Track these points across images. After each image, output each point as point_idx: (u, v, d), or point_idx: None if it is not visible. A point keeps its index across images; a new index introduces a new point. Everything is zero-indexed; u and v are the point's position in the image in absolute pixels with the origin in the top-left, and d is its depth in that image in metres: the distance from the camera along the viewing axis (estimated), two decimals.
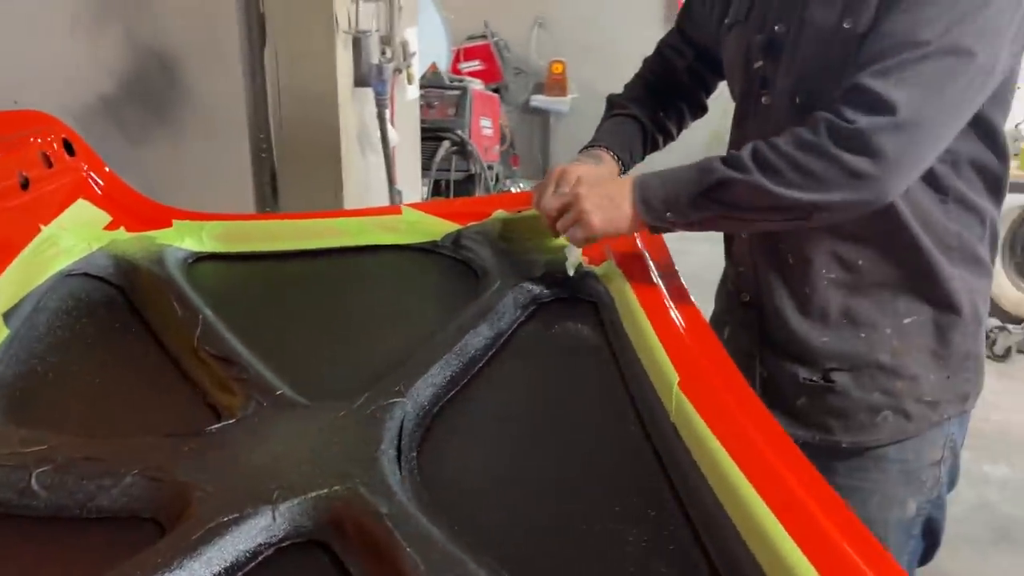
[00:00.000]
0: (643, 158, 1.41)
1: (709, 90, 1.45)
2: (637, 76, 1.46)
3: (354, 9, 2.13)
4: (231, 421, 0.92)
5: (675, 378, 0.91)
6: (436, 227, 1.42)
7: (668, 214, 1.09)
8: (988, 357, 3.45)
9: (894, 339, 1.16)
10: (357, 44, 2.14)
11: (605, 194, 1.12)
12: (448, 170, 3.18)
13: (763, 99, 1.20)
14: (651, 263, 1.22)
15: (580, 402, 1.00)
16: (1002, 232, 3.51)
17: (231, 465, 0.84)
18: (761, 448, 0.79)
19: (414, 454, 0.88)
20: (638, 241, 1.27)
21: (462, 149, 3.18)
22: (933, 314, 1.16)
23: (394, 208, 1.49)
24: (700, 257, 1.81)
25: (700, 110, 1.46)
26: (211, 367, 1.04)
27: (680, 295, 1.15)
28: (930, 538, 1.23)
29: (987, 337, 3.48)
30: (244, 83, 2.17)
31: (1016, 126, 2.25)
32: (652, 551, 0.72)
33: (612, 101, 1.43)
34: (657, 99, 1.41)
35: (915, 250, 1.13)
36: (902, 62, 0.97)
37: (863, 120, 0.97)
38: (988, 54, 0.99)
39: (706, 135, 2.81)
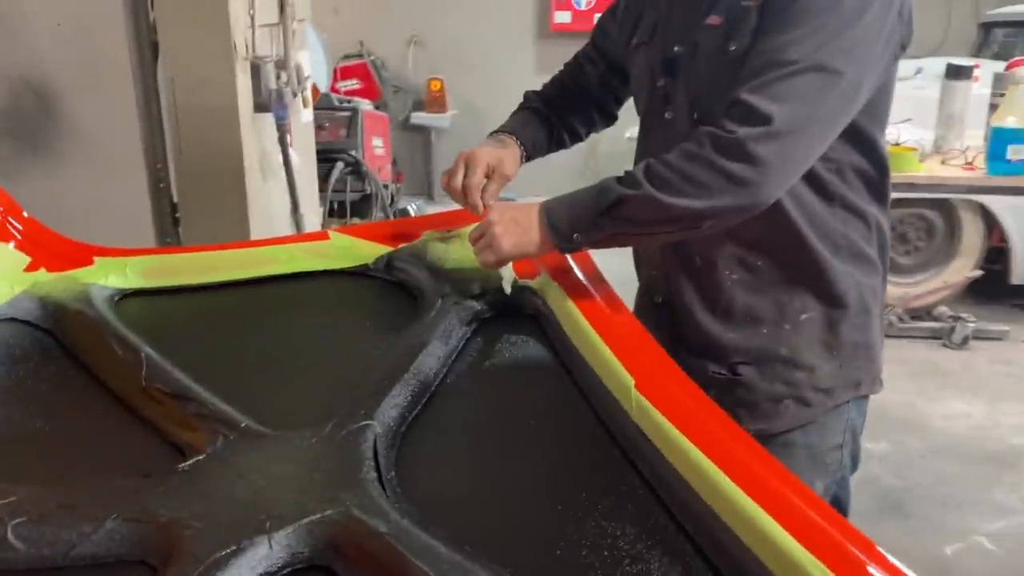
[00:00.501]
0: (546, 153, 1.50)
1: (619, 101, 1.54)
2: (555, 78, 1.54)
3: (251, 35, 2.11)
4: (201, 457, 0.92)
5: (631, 381, 0.97)
6: (366, 251, 1.44)
7: (575, 235, 1.17)
8: None
9: (792, 334, 1.27)
10: (256, 70, 2.12)
11: (513, 218, 1.19)
12: (343, 191, 3.17)
13: (666, 114, 1.29)
14: (579, 272, 1.29)
15: (540, 411, 1.05)
16: None
17: (213, 500, 0.84)
18: (721, 436, 0.87)
19: (392, 474, 0.90)
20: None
21: (356, 170, 3.18)
22: (825, 309, 1.27)
23: (321, 234, 1.49)
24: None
25: (609, 118, 1.56)
26: (166, 405, 1.03)
27: (613, 301, 1.22)
28: None
29: None
30: (138, 112, 2.12)
31: None
32: (640, 541, 0.78)
33: (527, 96, 1.52)
34: (569, 102, 1.50)
35: (807, 251, 1.24)
36: (775, 78, 1.08)
37: (741, 130, 1.07)
38: (854, 70, 1.10)
39: None
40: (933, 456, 2.91)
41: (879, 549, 0.72)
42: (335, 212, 3.30)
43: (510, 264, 1.29)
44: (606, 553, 0.77)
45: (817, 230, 1.22)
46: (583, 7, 5.82)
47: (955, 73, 2.44)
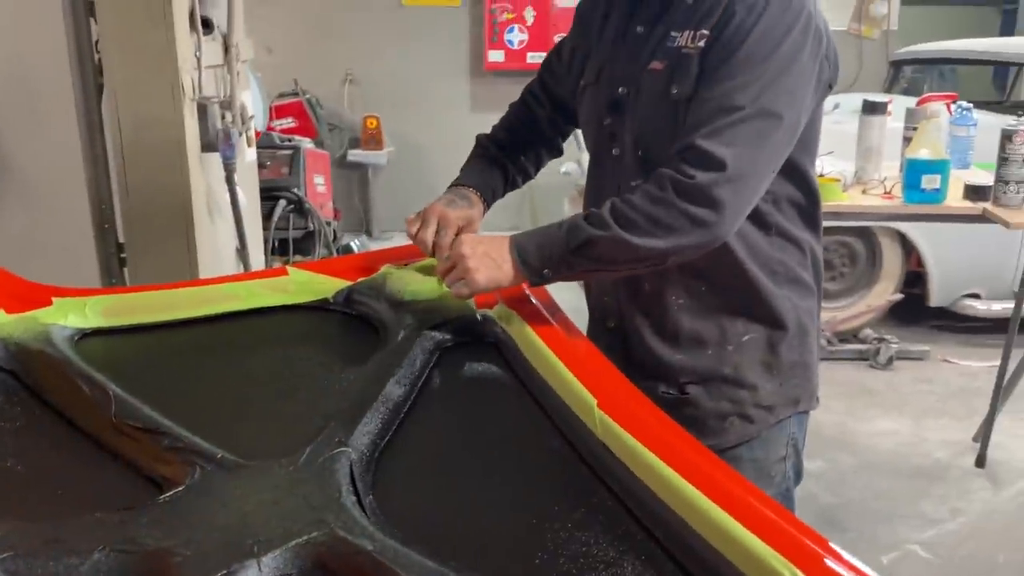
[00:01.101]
0: (503, 195, 1.56)
1: (565, 136, 1.62)
2: (503, 120, 1.61)
3: (197, 76, 2.14)
4: (180, 488, 0.94)
5: (594, 401, 1.03)
6: (325, 285, 1.47)
7: (545, 271, 1.24)
8: None
9: (735, 354, 1.36)
10: (203, 110, 2.14)
11: (486, 253, 1.24)
12: (286, 229, 3.18)
13: (613, 151, 1.37)
14: (535, 300, 1.35)
15: (507, 433, 1.10)
16: None
17: (198, 527, 0.86)
18: (682, 449, 0.93)
19: (369, 497, 0.94)
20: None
21: (299, 207, 3.20)
22: (765, 331, 1.36)
23: (280, 270, 1.52)
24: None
25: (556, 152, 1.64)
26: (138, 440, 1.05)
27: (569, 327, 1.28)
28: None
29: None
30: (82, 152, 2.11)
31: None
32: (613, 548, 0.83)
33: (480, 141, 1.58)
34: (519, 145, 1.57)
35: (747, 278, 1.33)
36: (724, 125, 1.17)
37: (700, 176, 1.16)
38: (792, 113, 1.20)
39: None
40: (865, 472, 3.04)
41: (831, 544, 0.79)
42: (276, 250, 3.30)
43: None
44: (582, 560, 0.82)
45: (756, 258, 1.31)
46: (516, 47, 5.96)
47: (871, 108, 2.60)
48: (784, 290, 1.34)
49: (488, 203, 1.48)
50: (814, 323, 1.40)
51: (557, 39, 1.59)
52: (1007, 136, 2.31)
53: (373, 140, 6.00)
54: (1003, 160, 2.31)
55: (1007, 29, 8.15)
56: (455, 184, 1.48)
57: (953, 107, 2.81)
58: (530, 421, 1.10)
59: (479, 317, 1.33)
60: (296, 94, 5.84)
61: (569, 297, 1.51)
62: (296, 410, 1.16)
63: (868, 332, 4.08)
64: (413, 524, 0.89)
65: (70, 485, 1.00)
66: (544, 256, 1.21)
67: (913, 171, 2.35)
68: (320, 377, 1.28)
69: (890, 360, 3.90)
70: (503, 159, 1.53)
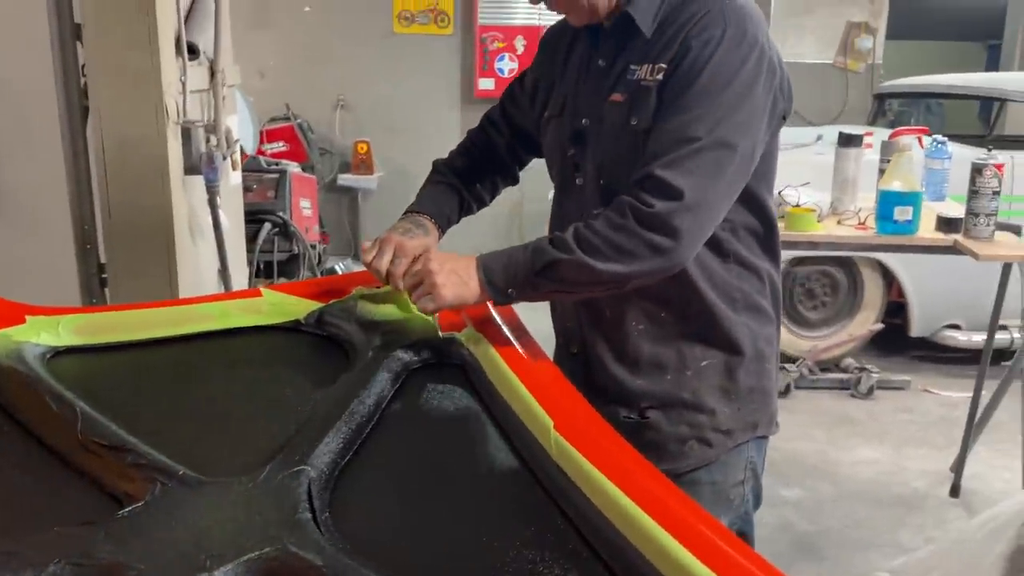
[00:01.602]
0: (458, 221, 1.59)
1: (522, 164, 1.65)
2: (461, 146, 1.63)
3: (182, 100, 2.17)
4: (140, 504, 0.95)
5: (550, 423, 1.05)
6: (298, 307, 1.49)
7: (510, 291, 1.27)
8: None
9: (694, 379, 1.38)
10: (187, 134, 2.17)
11: (453, 271, 1.27)
12: (271, 251, 3.20)
13: (577, 180, 1.41)
14: (503, 324, 1.37)
15: (466, 453, 1.12)
16: None
17: (154, 542, 0.88)
18: (636, 474, 0.95)
19: (326, 514, 0.96)
20: (490, 305, 1.42)
21: (284, 230, 3.22)
22: (723, 357, 1.38)
23: (254, 291, 1.54)
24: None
25: (513, 180, 1.66)
26: (103, 457, 1.06)
27: (534, 350, 1.30)
28: None
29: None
30: (66, 173, 2.14)
31: (779, 193, 2.64)
32: (559, 567, 0.85)
33: (436, 167, 1.60)
34: (476, 171, 1.59)
35: (705, 304, 1.36)
36: (682, 155, 1.21)
37: (659, 204, 1.19)
38: (747, 143, 1.24)
39: None
40: (844, 500, 3.05)
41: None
42: (262, 272, 3.32)
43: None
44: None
45: (714, 285, 1.33)
46: (506, 75, 6.02)
47: (846, 141, 2.65)
48: (742, 317, 1.36)
49: (443, 229, 1.51)
50: (772, 349, 1.42)
51: None
52: (977, 170, 2.35)
53: (363, 165, 6.04)
54: (973, 193, 2.35)
55: (992, 65, 8.29)
56: (410, 211, 1.50)
57: (927, 140, 2.86)
58: (490, 442, 1.12)
59: (447, 340, 1.35)
60: (288, 118, 5.89)
61: (541, 324, 1.54)
62: (261, 429, 1.18)
63: (850, 361, 4.11)
64: (367, 541, 0.91)
65: (34, 501, 1.02)
66: (509, 276, 1.24)
67: (886, 202, 2.39)
68: (288, 397, 1.29)
69: (871, 389, 3.93)
70: (459, 186, 1.55)
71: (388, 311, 1.44)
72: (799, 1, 6.44)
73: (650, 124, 1.26)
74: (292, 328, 1.46)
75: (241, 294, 1.59)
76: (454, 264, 1.26)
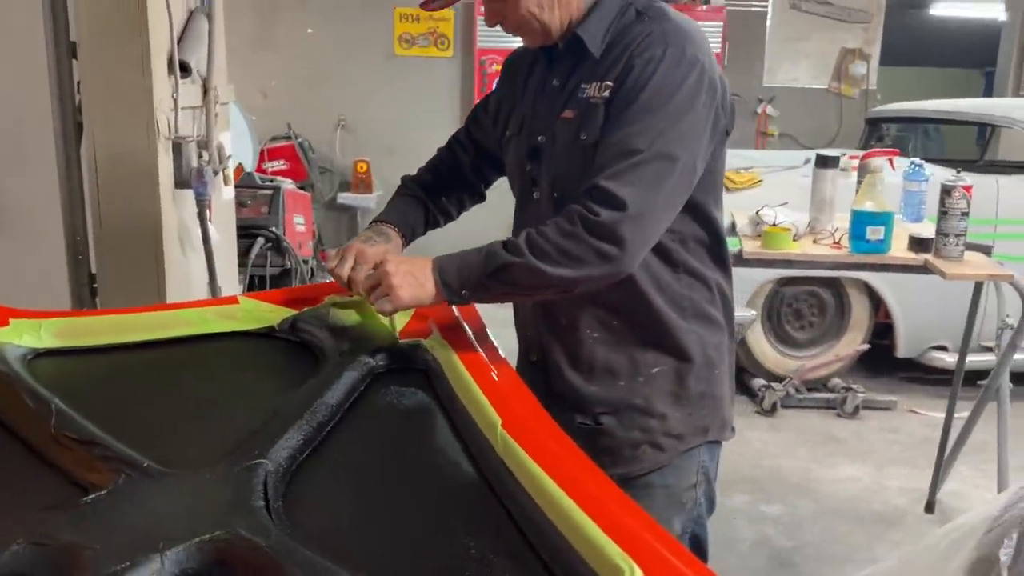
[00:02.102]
0: (423, 234, 1.65)
1: (488, 183, 1.72)
2: (429, 163, 1.71)
3: (173, 116, 2.24)
4: (103, 492, 1.01)
5: (498, 420, 1.10)
6: (272, 314, 1.55)
7: (463, 292, 1.33)
8: (757, 412, 3.95)
9: (645, 386, 1.44)
10: (177, 149, 2.24)
11: (409, 272, 1.32)
12: (264, 266, 3.27)
13: (534, 194, 1.48)
14: (468, 331, 1.43)
15: (420, 450, 1.17)
16: (759, 304, 4.06)
17: (112, 526, 0.93)
18: (571, 468, 1.00)
19: (279, 503, 1.01)
20: (455, 312, 1.48)
21: (277, 245, 3.29)
22: (673, 363, 1.44)
23: (231, 298, 1.60)
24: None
25: (479, 198, 1.73)
26: (73, 450, 1.11)
27: (494, 355, 1.36)
28: (698, 552, 1.49)
29: (755, 395, 4.00)
30: (59, 186, 2.21)
31: (757, 212, 2.70)
32: (491, 556, 0.90)
33: (404, 182, 1.68)
34: (442, 187, 1.66)
35: (655, 312, 1.41)
36: (625, 167, 1.27)
37: (604, 213, 1.26)
38: (688, 156, 1.30)
39: None
40: (823, 517, 3.08)
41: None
42: (255, 286, 3.38)
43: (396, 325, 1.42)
44: (463, 563, 0.88)
45: (663, 294, 1.39)
46: None
47: (823, 162, 2.71)
48: (692, 325, 1.42)
49: (407, 238, 1.57)
50: (722, 357, 1.47)
51: None
52: (946, 191, 2.41)
53: (363, 184, 6.13)
54: (943, 214, 2.40)
55: (989, 91, 8.36)
56: (375, 221, 1.57)
57: (904, 163, 2.92)
58: (444, 442, 1.17)
59: (412, 345, 1.40)
60: (289, 137, 5.99)
61: (512, 339, 1.60)
62: (228, 426, 1.23)
63: (837, 381, 4.14)
64: (316, 529, 0.96)
65: (7, 489, 1.07)
66: (463, 278, 1.30)
67: (859, 222, 2.45)
68: (257, 398, 1.35)
69: (857, 409, 3.96)
70: (424, 198, 1.62)
71: (357, 318, 1.49)
72: (794, 27, 6.54)
73: (598, 138, 1.32)
74: (266, 334, 1.52)
75: (218, 301, 1.65)
76: (410, 266, 1.32)
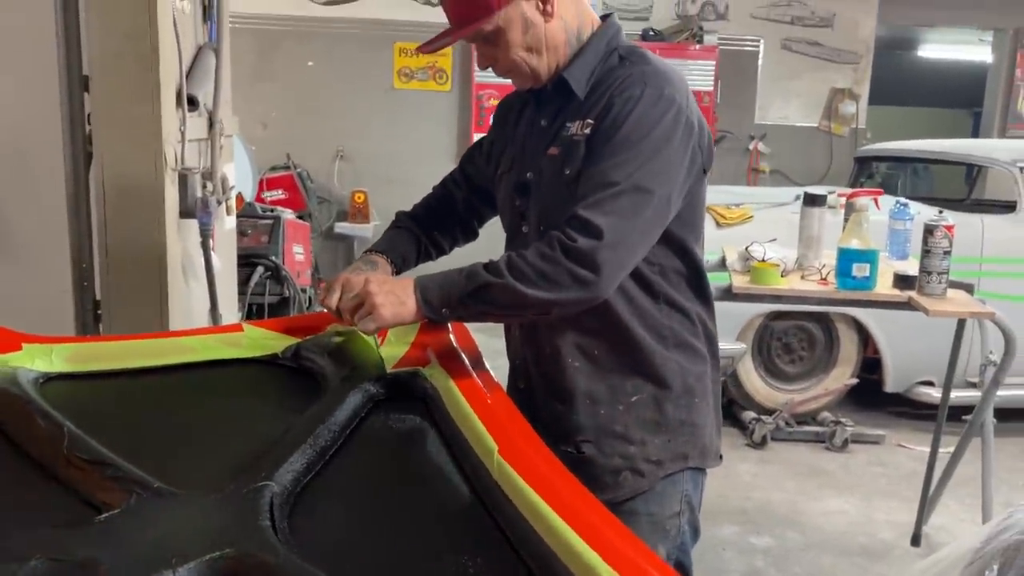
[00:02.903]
0: (415, 265, 1.70)
1: (481, 220, 1.78)
2: (424, 199, 1.78)
3: (180, 148, 2.31)
4: (116, 511, 1.05)
5: (495, 447, 1.15)
6: (276, 341, 1.60)
7: (444, 310, 1.38)
8: (747, 445, 4.00)
9: (625, 414, 1.49)
10: (183, 180, 2.30)
11: (391, 291, 1.38)
12: (263, 294, 3.32)
13: (523, 228, 1.55)
14: (465, 359, 1.47)
15: (418, 475, 1.22)
16: (749, 337, 4.12)
17: (126, 544, 0.97)
18: (563, 492, 1.05)
19: (285, 524, 1.05)
20: (453, 341, 1.53)
21: (276, 274, 3.34)
22: (652, 391, 1.49)
23: (235, 326, 1.65)
24: None
25: (472, 235, 1.80)
26: (85, 471, 1.16)
27: (489, 382, 1.41)
28: None
29: (746, 428, 4.04)
30: (67, 215, 2.26)
31: (746, 248, 2.77)
32: (488, 571, 0.95)
33: (398, 216, 1.74)
34: (435, 221, 1.73)
35: (635, 341, 1.47)
36: (603, 198, 1.34)
37: (582, 240, 1.32)
38: (663, 190, 1.37)
39: None
40: (811, 549, 3.12)
41: None
42: (253, 314, 3.43)
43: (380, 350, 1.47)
44: None
45: (645, 323, 1.45)
46: None
47: (811, 200, 2.79)
48: (673, 353, 1.48)
49: (397, 267, 1.63)
50: (704, 386, 1.53)
51: None
52: (929, 230, 2.48)
53: (360, 214, 6.21)
54: (926, 252, 2.48)
55: (977, 131, 8.52)
56: (366, 251, 1.63)
57: (890, 202, 3.00)
58: (443, 467, 1.22)
59: (410, 374, 1.46)
60: (288, 167, 6.06)
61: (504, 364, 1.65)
62: (234, 450, 1.28)
63: (826, 415, 4.19)
64: (321, 549, 1.00)
65: (22, 508, 1.11)
66: (444, 296, 1.36)
67: (845, 259, 2.52)
68: (262, 422, 1.39)
69: (845, 443, 4.01)
70: (416, 231, 1.69)
71: (359, 348, 1.54)
72: (785, 67, 6.68)
73: (579, 172, 1.39)
74: (270, 361, 1.57)
75: (223, 328, 1.70)
76: (392, 285, 1.38)
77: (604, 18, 1.51)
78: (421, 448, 1.30)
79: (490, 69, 1.50)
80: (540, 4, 1.41)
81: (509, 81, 1.55)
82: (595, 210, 1.32)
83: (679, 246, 1.46)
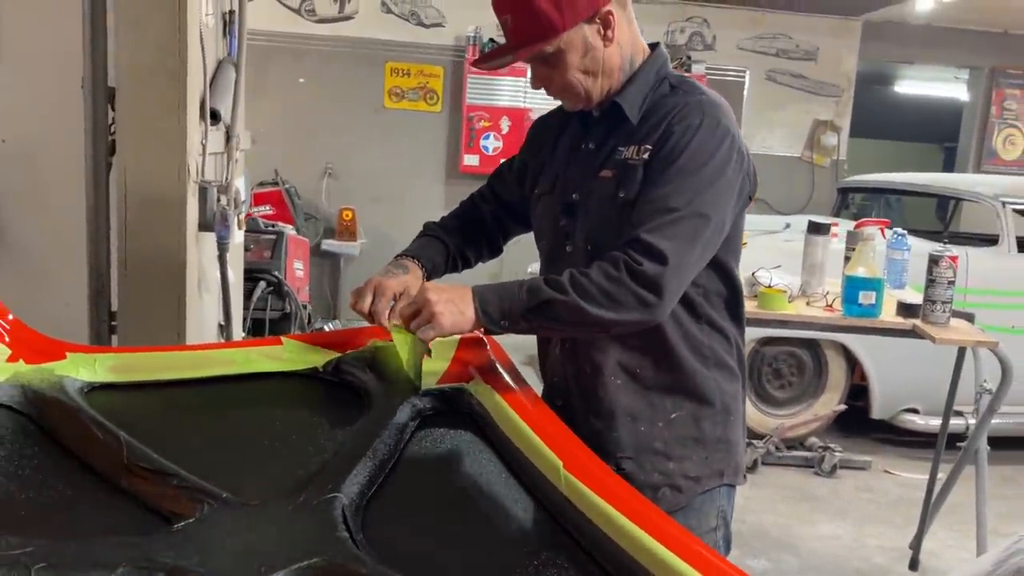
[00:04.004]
0: (443, 274, 1.71)
1: (507, 236, 1.80)
2: (452, 212, 1.79)
3: (201, 161, 2.31)
4: (191, 520, 1.06)
5: (560, 463, 1.17)
6: (316, 356, 1.60)
7: (503, 322, 1.39)
8: None
9: (665, 430, 1.52)
10: (203, 192, 2.30)
11: (450, 300, 1.38)
12: (264, 309, 3.31)
13: (567, 248, 1.57)
14: (506, 374, 1.49)
15: (479, 488, 1.24)
16: None
17: (210, 552, 0.98)
18: (632, 503, 1.08)
19: (360, 535, 1.06)
20: (491, 356, 1.54)
21: (278, 289, 3.33)
22: (692, 408, 1.52)
23: (274, 339, 1.65)
24: None
25: (497, 251, 1.81)
26: (149, 480, 1.16)
27: (533, 398, 1.43)
28: None
29: None
30: (87, 224, 2.25)
31: (753, 274, 2.83)
32: None
33: (427, 226, 1.75)
34: (463, 234, 1.74)
35: (679, 360, 1.50)
36: (664, 223, 1.37)
37: (648, 265, 1.35)
38: (719, 215, 1.41)
39: None
40: (808, 573, 3.16)
41: None
42: (251, 330, 3.41)
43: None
44: None
45: (688, 342, 1.49)
46: (491, 152, 6.27)
47: (815, 229, 2.85)
48: (712, 372, 1.51)
49: (428, 272, 1.63)
50: (737, 405, 1.56)
51: None
52: (934, 260, 2.56)
53: (347, 232, 6.20)
54: (931, 282, 2.55)
55: (948, 166, 8.76)
56: (397, 256, 1.64)
57: (888, 232, 3.08)
58: (500, 479, 1.24)
59: (456, 390, 1.47)
60: (276, 183, 6.04)
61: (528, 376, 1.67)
62: (288, 461, 1.28)
63: (814, 440, 4.26)
64: (400, 559, 1.02)
65: (87, 515, 1.11)
66: (504, 309, 1.37)
67: (851, 287, 2.58)
68: (309, 434, 1.40)
69: (834, 468, 4.07)
70: (445, 238, 1.70)
71: (401, 362, 1.56)
72: (770, 97, 6.82)
73: (635, 196, 1.43)
74: (310, 375, 1.58)
75: (262, 341, 1.70)
76: (451, 294, 1.39)
77: (652, 47, 1.55)
78: (475, 462, 1.31)
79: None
80: (601, 29, 1.44)
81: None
82: (657, 234, 1.35)
83: (722, 269, 1.51)
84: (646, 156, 1.44)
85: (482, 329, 1.41)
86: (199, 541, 1.00)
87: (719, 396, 1.53)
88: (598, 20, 1.44)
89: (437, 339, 1.51)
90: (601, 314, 1.34)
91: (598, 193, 1.50)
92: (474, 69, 6.19)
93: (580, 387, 1.55)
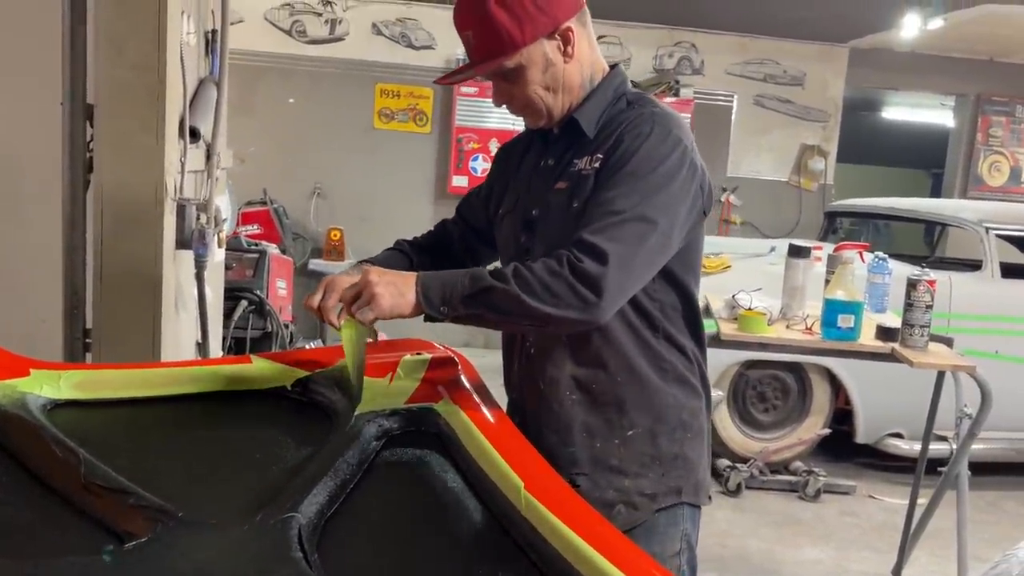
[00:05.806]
0: None
1: (476, 259, 1.79)
2: (424, 234, 1.81)
3: (179, 179, 2.31)
4: (144, 539, 1.04)
5: (521, 483, 1.16)
6: (285, 374, 1.59)
7: (443, 308, 1.38)
8: (722, 492, 4.02)
9: (622, 447, 1.51)
10: (181, 210, 2.30)
11: (391, 282, 1.38)
12: (245, 328, 3.29)
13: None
14: (475, 394, 1.48)
15: (440, 508, 1.22)
16: (725, 386, 4.17)
17: (161, 572, 0.97)
18: (592, 525, 1.07)
19: (315, 556, 1.05)
20: (462, 376, 1.54)
21: (260, 308, 3.32)
22: (649, 424, 1.51)
23: (244, 358, 1.64)
24: None
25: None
26: (105, 499, 1.15)
27: (500, 416, 1.42)
28: None
29: (721, 475, 4.07)
30: (62, 241, 2.24)
31: (733, 296, 2.83)
32: None
33: (397, 242, 1.77)
34: (431, 252, 1.75)
35: (637, 372, 1.50)
36: (608, 224, 1.38)
37: (588, 263, 1.35)
38: (665, 222, 1.41)
39: None
40: None
41: None
42: (232, 348, 3.39)
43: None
44: None
45: (645, 355, 1.49)
46: (479, 174, 6.28)
47: (796, 252, 2.86)
48: (672, 387, 1.51)
49: None
50: (698, 422, 1.56)
51: None
52: (912, 284, 2.56)
53: (335, 251, 6.19)
54: (909, 306, 2.56)
55: (935, 192, 8.82)
56: (359, 261, 1.63)
57: (868, 256, 3.10)
58: (462, 499, 1.23)
59: (423, 409, 1.46)
60: (264, 203, 6.05)
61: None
62: (250, 480, 1.27)
63: (798, 464, 4.24)
64: None
65: (42, 534, 1.10)
66: (445, 295, 1.37)
67: (830, 310, 2.58)
68: (274, 453, 1.39)
69: (818, 492, 4.05)
70: (411, 254, 1.72)
71: (369, 382, 1.55)
72: (758, 122, 6.87)
73: (586, 204, 1.44)
74: (278, 393, 1.57)
75: (231, 360, 1.69)
76: (393, 277, 1.38)
77: (612, 67, 1.57)
78: (439, 482, 1.30)
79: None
80: (561, 45, 1.46)
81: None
82: (600, 235, 1.36)
83: (677, 283, 1.51)
84: (597, 165, 1.46)
85: (422, 314, 1.40)
86: (150, 562, 0.99)
87: (676, 412, 1.52)
88: (558, 36, 1.46)
89: (409, 357, 1.51)
90: (538, 307, 1.33)
91: (554, 205, 1.51)
92: (463, 91, 6.23)
93: (537, 402, 1.55)
